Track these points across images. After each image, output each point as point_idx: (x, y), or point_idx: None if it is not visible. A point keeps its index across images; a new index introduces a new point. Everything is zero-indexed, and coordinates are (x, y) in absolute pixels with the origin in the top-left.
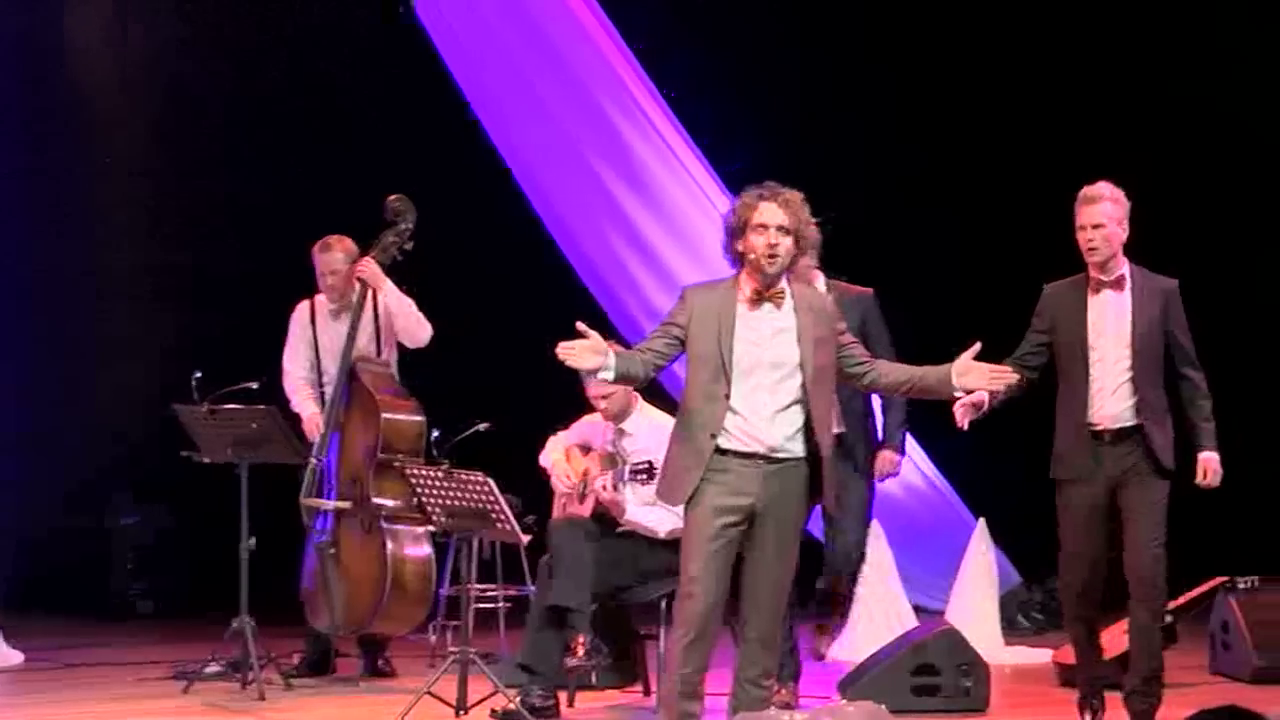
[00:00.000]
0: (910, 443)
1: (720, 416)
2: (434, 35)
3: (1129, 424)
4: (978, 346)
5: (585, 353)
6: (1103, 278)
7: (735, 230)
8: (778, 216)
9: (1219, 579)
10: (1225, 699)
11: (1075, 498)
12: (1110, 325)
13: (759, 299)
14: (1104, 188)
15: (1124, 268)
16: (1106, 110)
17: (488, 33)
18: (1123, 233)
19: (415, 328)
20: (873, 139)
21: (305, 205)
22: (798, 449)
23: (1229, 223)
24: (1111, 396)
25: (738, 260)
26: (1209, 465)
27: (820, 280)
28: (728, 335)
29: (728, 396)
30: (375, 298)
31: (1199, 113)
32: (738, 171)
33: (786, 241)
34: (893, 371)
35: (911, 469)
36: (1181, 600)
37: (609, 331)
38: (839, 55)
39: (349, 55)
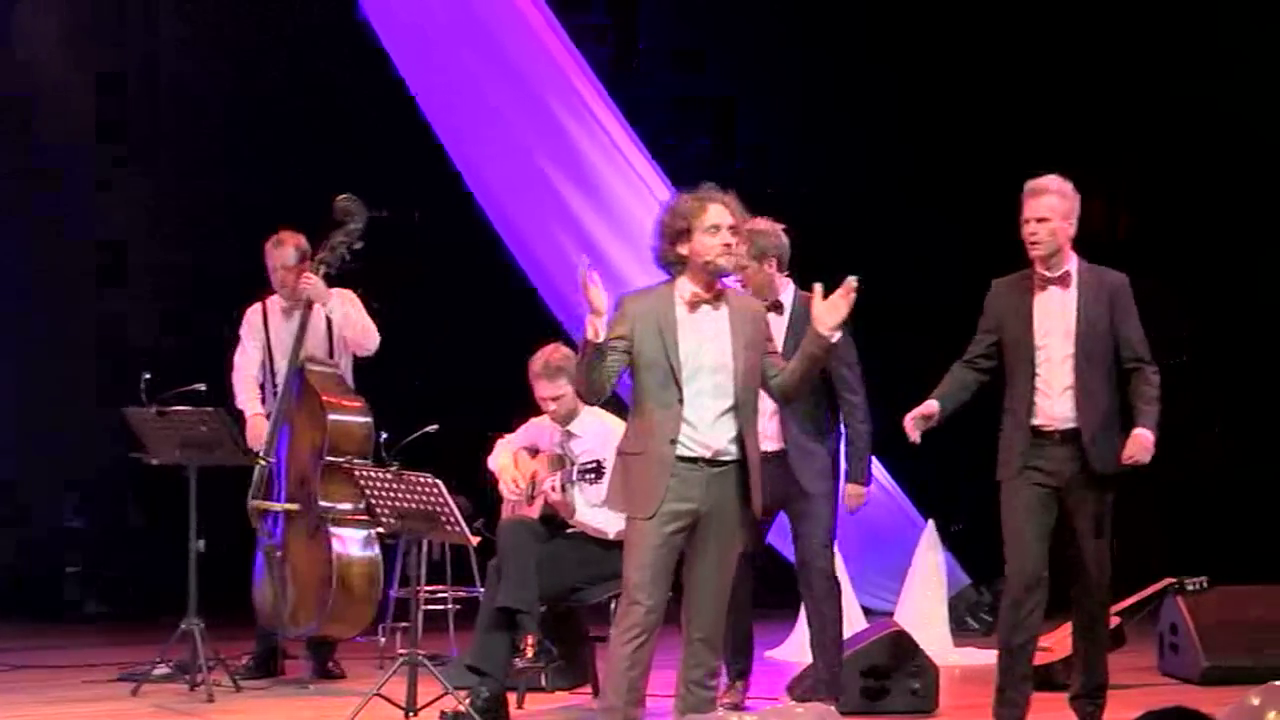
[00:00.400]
0: None
1: (677, 423)
2: (381, 34)
3: (1075, 425)
4: (819, 287)
5: (600, 298)
6: (1048, 274)
7: (677, 234)
8: (727, 216)
9: (1167, 580)
10: (1173, 700)
11: (1018, 496)
12: (1056, 323)
13: (697, 302)
14: (1050, 180)
15: (1070, 264)
16: (1106, 110)
17: (434, 32)
18: (1069, 228)
19: (362, 337)
20: (873, 140)
21: (305, 205)
22: (735, 452)
23: (1229, 224)
24: (1059, 396)
25: (674, 265)
26: (1140, 439)
27: (789, 289)
28: (672, 340)
29: (680, 402)
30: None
31: (1197, 113)
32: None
33: (735, 241)
34: (788, 364)
35: None
36: (1129, 601)
37: (558, 333)
38: (840, 56)
39: (349, 55)
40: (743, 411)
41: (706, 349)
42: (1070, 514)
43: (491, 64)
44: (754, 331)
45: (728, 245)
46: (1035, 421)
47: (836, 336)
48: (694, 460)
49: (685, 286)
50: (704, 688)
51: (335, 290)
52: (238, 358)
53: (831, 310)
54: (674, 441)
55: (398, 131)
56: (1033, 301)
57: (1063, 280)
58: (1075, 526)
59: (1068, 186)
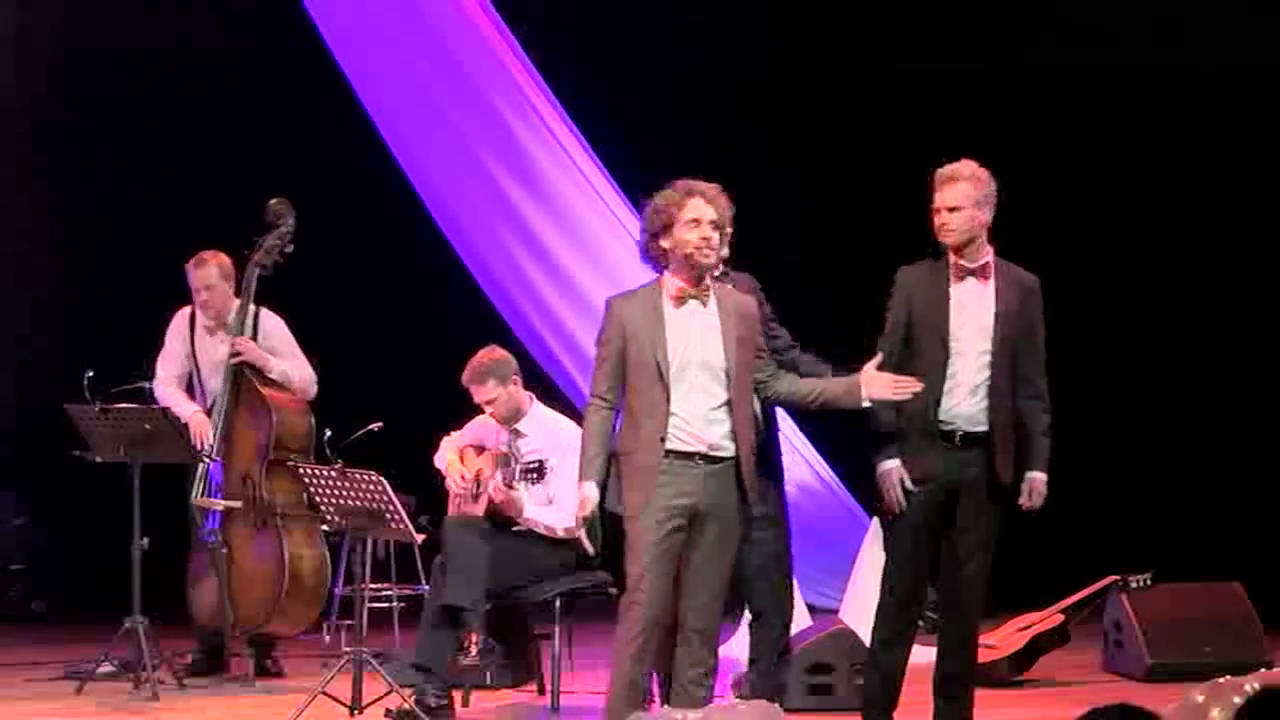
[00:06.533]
0: (803, 441)
1: (664, 421)
2: (326, 36)
3: (981, 429)
4: (879, 358)
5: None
6: (966, 264)
7: (659, 230)
8: (709, 211)
9: (1111, 577)
10: (1118, 697)
11: (915, 501)
12: (973, 317)
13: (683, 298)
14: (963, 167)
15: (989, 255)
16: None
17: (380, 34)
18: (983, 216)
19: (307, 386)
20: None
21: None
22: (731, 448)
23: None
24: (967, 396)
25: (659, 260)
26: (1035, 486)
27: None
28: (660, 338)
29: (667, 400)
30: (256, 320)
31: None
32: None
33: (716, 235)
34: (796, 385)
35: (805, 467)
36: (1074, 599)
37: (502, 330)
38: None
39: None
40: (736, 407)
41: (695, 345)
42: (960, 526)
43: (440, 68)
44: (745, 329)
45: (705, 239)
46: (940, 419)
47: (866, 404)
48: (689, 455)
49: (671, 282)
50: (700, 686)
51: (264, 312)
52: (161, 369)
53: (880, 386)
54: (662, 439)
55: (343, 132)
56: (949, 292)
57: (982, 272)
58: (961, 543)
59: (982, 173)
